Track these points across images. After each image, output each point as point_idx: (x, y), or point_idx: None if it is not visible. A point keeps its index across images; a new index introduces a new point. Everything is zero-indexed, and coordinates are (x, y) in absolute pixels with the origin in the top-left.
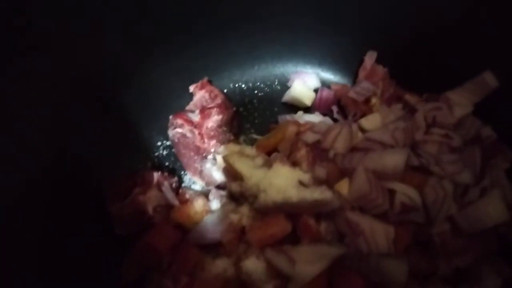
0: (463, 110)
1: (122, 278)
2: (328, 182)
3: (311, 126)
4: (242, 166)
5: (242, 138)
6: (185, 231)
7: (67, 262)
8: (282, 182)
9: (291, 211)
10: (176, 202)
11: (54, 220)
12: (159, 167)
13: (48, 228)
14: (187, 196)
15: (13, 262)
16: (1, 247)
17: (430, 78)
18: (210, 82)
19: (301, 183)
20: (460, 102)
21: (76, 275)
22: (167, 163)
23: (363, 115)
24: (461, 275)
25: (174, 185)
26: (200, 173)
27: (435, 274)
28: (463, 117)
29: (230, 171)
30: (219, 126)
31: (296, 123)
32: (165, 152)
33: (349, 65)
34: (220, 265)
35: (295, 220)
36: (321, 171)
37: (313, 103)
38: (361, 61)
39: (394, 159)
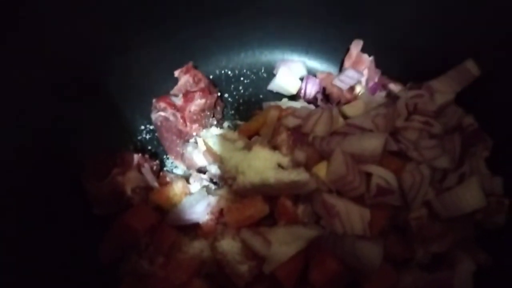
0: (445, 98)
1: (100, 257)
2: (307, 166)
3: (293, 111)
4: (222, 148)
5: (226, 124)
6: (163, 213)
7: (44, 242)
8: (260, 164)
9: (268, 193)
10: (155, 184)
11: (32, 198)
12: (142, 150)
13: (26, 206)
14: (168, 179)
15: None
16: None
17: (416, 67)
18: (195, 67)
19: (280, 166)
20: (442, 89)
21: (53, 255)
22: (149, 147)
23: (347, 103)
24: (437, 261)
25: (155, 168)
26: (182, 157)
27: (412, 259)
28: (444, 105)
29: (210, 154)
30: (202, 110)
31: (278, 108)
32: (148, 136)
33: (336, 54)
34: (197, 246)
35: (273, 202)
36: (300, 155)
37: (299, 91)
38: (347, 50)
39: (372, 143)
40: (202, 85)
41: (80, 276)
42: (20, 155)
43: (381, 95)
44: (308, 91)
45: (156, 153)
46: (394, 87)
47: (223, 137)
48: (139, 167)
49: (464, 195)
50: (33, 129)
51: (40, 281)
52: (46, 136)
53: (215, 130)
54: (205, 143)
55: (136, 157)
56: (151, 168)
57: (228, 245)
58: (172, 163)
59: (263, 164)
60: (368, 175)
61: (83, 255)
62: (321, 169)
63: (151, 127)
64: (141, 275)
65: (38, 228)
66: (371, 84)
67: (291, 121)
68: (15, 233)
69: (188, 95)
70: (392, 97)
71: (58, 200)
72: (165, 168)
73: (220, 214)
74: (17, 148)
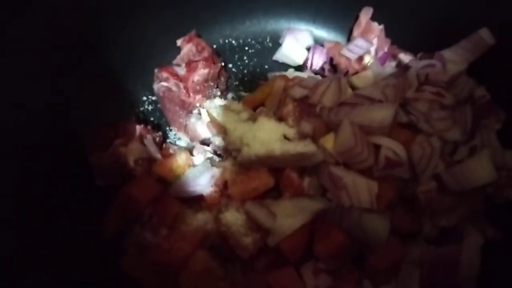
0: (457, 68)
1: (104, 230)
2: (314, 138)
3: (299, 81)
4: (226, 120)
5: (230, 95)
6: (167, 185)
7: (47, 214)
8: (266, 135)
9: (274, 165)
10: (158, 155)
11: (34, 169)
12: (144, 122)
13: (28, 178)
14: (171, 151)
15: None
16: None
17: (427, 36)
18: (199, 36)
19: (286, 138)
20: (454, 59)
21: (57, 226)
22: (152, 118)
23: (356, 73)
24: (445, 234)
25: (157, 139)
26: (185, 128)
27: (419, 233)
28: (456, 75)
29: (214, 125)
30: (205, 80)
31: (284, 78)
32: (150, 107)
33: (344, 22)
34: (201, 218)
35: (278, 175)
36: (307, 126)
37: (305, 61)
38: (356, 18)
39: (382, 114)
40: (205, 54)
41: (84, 248)
42: (21, 128)
43: (391, 65)
44: (315, 61)
45: (159, 124)
46: (404, 57)
47: (227, 108)
48: (141, 138)
49: (475, 168)
50: (34, 102)
51: (44, 254)
52: (48, 108)
53: (219, 101)
54: (209, 114)
55: (139, 128)
56: (154, 139)
57: (232, 217)
58: (175, 134)
59: (269, 136)
60: (377, 147)
61: (86, 227)
62: (328, 141)
63: (153, 98)
64: (145, 246)
65: (41, 201)
66: (380, 53)
67: (298, 92)
68: (18, 207)
69: (191, 65)
70: (402, 67)
71: (61, 172)
72: (168, 140)
73: (224, 186)
74: (18, 121)
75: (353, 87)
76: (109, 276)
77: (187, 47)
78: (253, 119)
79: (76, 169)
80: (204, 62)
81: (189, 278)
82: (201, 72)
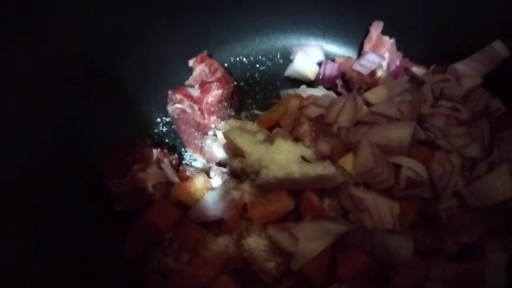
0: (472, 82)
1: (124, 255)
2: (332, 157)
3: (314, 100)
4: (243, 142)
5: (243, 114)
6: (186, 209)
7: (68, 239)
8: (284, 157)
9: (293, 187)
10: (176, 179)
11: (53, 196)
12: (159, 144)
13: (48, 205)
14: (188, 173)
15: (13, 240)
16: (1, 224)
17: (439, 49)
18: (210, 55)
19: (304, 159)
20: (468, 73)
21: (77, 252)
22: (167, 140)
23: (369, 88)
24: (467, 251)
25: (174, 162)
26: (201, 150)
27: (441, 250)
28: (471, 89)
29: (231, 147)
30: (219, 101)
31: (299, 97)
32: (165, 129)
33: (354, 37)
34: (222, 243)
35: (298, 196)
36: (324, 146)
37: (317, 77)
38: (366, 32)
39: (400, 133)
40: (218, 74)
41: (106, 274)
42: (40, 154)
43: (404, 79)
44: (326, 77)
45: (174, 146)
46: (417, 70)
47: (243, 130)
48: (158, 162)
49: (494, 183)
50: (51, 127)
51: (65, 280)
52: (64, 133)
53: (234, 122)
54: (226, 137)
55: (155, 152)
56: (171, 162)
57: (255, 242)
58: (190, 156)
59: (287, 158)
60: (397, 167)
61: (108, 252)
62: (348, 162)
63: (168, 119)
64: (167, 272)
65: (62, 228)
66: (392, 67)
67: (313, 111)
68: (39, 234)
69: (204, 86)
70: (416, 81)
71: (80, 198)
72: (183, 161)
73: (243, 209)
74: (36, 147)
75: (368, 103)
76: None
77: (199, 68)
78: (269, 140)
79: (95, 194)
80: (217, 83)
81: None
82: (215, 93)
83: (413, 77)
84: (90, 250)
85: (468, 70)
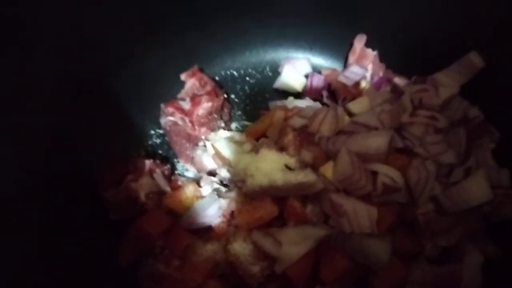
0: (449, 91)
1: (119, 260)
2: (315, 165)
3: (298, 111)
4: (230, 152)
5: (234, 125)
6: (177, 216)
7: (64, 247)
8: (268, 166)
9: (277, 195)
10: (168, 188)
11: (50, 206)
12: (153, 155)
13: (45, 215)
14: (179, 183)
15: (11, 249)
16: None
17: (420, 60)
18: (201, 69)
19: (287, 167)
20: (446, 83)
21: (73, 259)
22: (160, 151)
23: (353, 98)
24: (446, 254)
25: (166, 172)
26: (192, 160)
27: (421, 253)
28: (449, 98)
29: (219, 158)
30: (209, 113)
31: (284, 108)
32: (158, 141)
33: (340, 49)
34: (210, 249)
35: (282, 203)
36: (307, 155)
37: (304, 89)
38: (351, 45)
39: (377, 141)
40: (208, 88)
41: (100, 280)
42: (36, 165)
43: (386, 90)
44: (313, 88)
45: (167, 156)
46: (399, 80)
47: (231, 140)
48: (151, 172)
49: (470, 188)
50: (46, 139)
51: (61, 285)
52: (60, 144)
53: (223, 133)
54: (214, 148)
55: (148, 163)
56: (163, 173)
57: (240, 247)
58: (183, 166)
59: (271, 166)
60: (374, 174)
61: (103, 259)
62: (328, 169)
63: (161, 132)
64: (158, 277)
65: (58, 235)
66: (376, 78)
67: (297, 122)
68: (36, 242)
69: (195, 99)
70: (397, 92)
71: (75, 207)
72: (176, 172)
73: (231, 216)
74: (31, 158)
75: (350, 114)
76: None
77: (190, 82)
78: (255, 150)
79: (91, 203)
80: (207, 96)
81: None
82: (205, 106)
83: (395, 88)
84: (87, 257)
85: (446, 80)
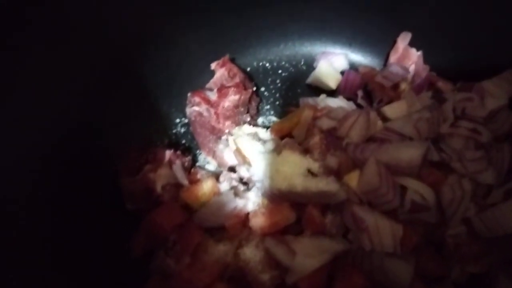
0: (496, 103)
1: (132, 251)
2: (339, 173)
3: (328, 112)
4: (251, 151)
5: (260, 119)
6: (192, 212)
7: (80, 234)
8: (289, 169)
9: (296, 200)
10: (185, 181)
11: (68, 193)
12: (176, 144)
13: (61, 200)
14: (199, 176)
15: (25, 234)
16: (14, 215)
17: (468, 65)
18: (233, 59)
19: (310, 172)
20: (494, 92)
21: (87, 247)
22: (183, 141)
23: (390, 101)
24: (474, 281)
25: (186, 164)
26: (214, 154)
27: (447, 277)
28: (495, 110)
29: (239, 155)
30: (236, 106)
31: (313, 108)
32: (182, 130)
33: (381, 47)
34: (222, 249)
35: (301, 210)
36: (332, 161)
37: (339, 87)
38: (393, 43)
39: (410, 153)
40: (237, 80)
41: (113, 269)
42: (57, 150)
43: (427, 94)
44: (348, 87)
45: (190, 147)
46: (442, 85)
47: (254, 137)
48: (170, 163)
49: (509, 213)
50: (70, 124)
51: (75, 272)
52: (84, 130)
53: (247, 128)
54: (235, 144)
55: (168, 153)
56: (183, 164)
57: (251, 253)
58: (205, 158)
59: (292, 170)
60: (403, 188)
61: (116, 248)
62: (353, 179)
63: (186, 121)
64: (167, 273)
65: (73, 222)
66: (417, 81)
67: (326, 123)
68: (50, 228)
69: (222, 90)
70: (438, 99)
71: (92, 194)
72: (197, 163)
73: (246, 218)
74: (54, 143)
75: (385, 118)
76: None
77: (220, 72)
78: (278, 150)
79: (109, 192)
80: (235, 89)
81: None
82: (232, 98)
83: (437, 93)
84: (100, 245)
85: (495, 90)
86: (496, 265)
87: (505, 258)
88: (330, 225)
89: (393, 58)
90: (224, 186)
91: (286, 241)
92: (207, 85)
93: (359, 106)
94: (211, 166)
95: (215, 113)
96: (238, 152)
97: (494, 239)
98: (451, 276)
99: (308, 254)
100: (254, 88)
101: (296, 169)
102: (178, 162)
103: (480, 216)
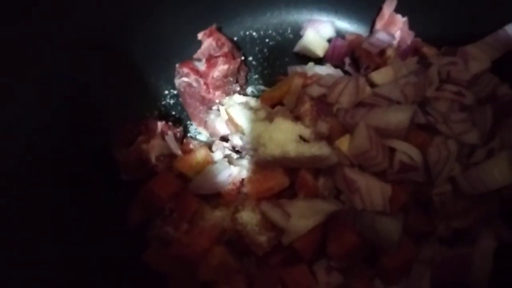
0: (480, 66)
1: (128, 221)
2: (330, 138)
3: (318, 79)
4: (243, 119)
5: (249, 89)
6: (187, 181)
7: (76, 206)
8: (282, 136)
9: (289, 166)
10: (179, 151)
11: (62, 164)
12: (166, 116)
13: (57, 173)
14: (191, 146)
15: (23, 208)
16: (11, 188)
17: (452, 30)
18: (219, 29)
19: (302, 138)
20: (478, 56)
21: (84, 218)
22: (173, 112)
23: (377, 68)
24: (458, 235)
25: (178, 135)
26: (205, 124)
27: (433, 233)
28: (479, 73)
29: (232, 124)
30: (225, 76)
31: (303, 75)
32: (172, 101)
33: (367, 14)
34: (218, 215)
35: (294, 174)
36: (323, 126)
37: (326, 54)
38: (379, 10)
39: (398, 116)
40: (225, 49)
41: (111, 239)
42: (48, 124)
43: (412, 60)
44: (335, 54)
45: (180, 118)
46: (427, 50)
47: (245, 106)
48: (162, 134)
49: (491, 171)
50: (59, 98)
51: (71, 243)
52: (74, 103)
53: (237, 98)
54: (227, 113)
55: (160, 124)
56: (175, 135)
57: (248, 217)
58: (196, 129)
59: (285, 137)
60: (392, 150)
61: (113, 219)
62: (344, 143)
63: (175, 92)
64: (166, 240)
65: (69, 194)
66: (403, 47)
67: (316, 90)
68: (49, 200)
69: (211, 60)
70: (424, 63)
71: (87, 166)
72: (189, 134)
73: (241, 184)
74: (45, 117)
75: (373, 84)
76: (131, 266)
77: (207, 42)
78: (270, 118)
79: (102, 163)
80: (223, 58)
81: (207, 271)
82: (221, 68)
83: (422, 58)
84: (97, 216)
85: (478, 53)
86: (478, 220)
87: (487, 214)
88: (323, 187)
89: (379, 24)
90: (217, 155)
91: (281, 205)
92: (195, 56)
93: (346, 73)
94: (203, 136)
95: (205, 83)
96: (230, 121)
97: (477, 196)
98: (436, 232)
99: (302, 216)
100: (242, 58)
101: (289, 136)
102: (170, 133)
103: (465, 175)
